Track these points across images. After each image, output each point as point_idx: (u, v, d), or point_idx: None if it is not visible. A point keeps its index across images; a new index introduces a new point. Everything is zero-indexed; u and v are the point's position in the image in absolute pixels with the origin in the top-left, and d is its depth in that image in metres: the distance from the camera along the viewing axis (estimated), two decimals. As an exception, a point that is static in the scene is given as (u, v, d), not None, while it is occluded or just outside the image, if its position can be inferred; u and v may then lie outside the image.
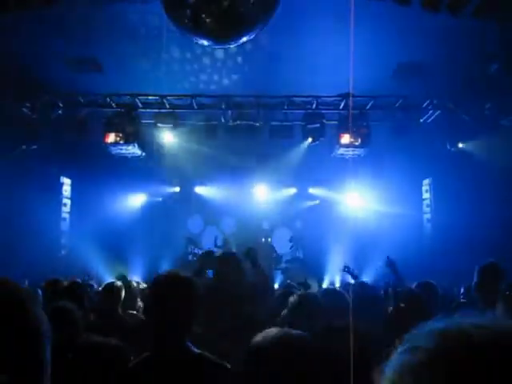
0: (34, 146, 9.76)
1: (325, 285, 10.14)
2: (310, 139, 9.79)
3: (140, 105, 9.92)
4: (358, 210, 12.40)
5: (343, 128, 9.64)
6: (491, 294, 2.96)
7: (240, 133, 10.16)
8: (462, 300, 4.62)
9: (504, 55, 7.78)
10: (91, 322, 3.83)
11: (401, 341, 0.57)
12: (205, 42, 4.72)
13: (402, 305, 3.32)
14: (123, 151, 9.91)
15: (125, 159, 10.26)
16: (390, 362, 0.57)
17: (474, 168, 9.19)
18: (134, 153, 9.98)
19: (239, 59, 8.74)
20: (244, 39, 4.61)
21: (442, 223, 10.54)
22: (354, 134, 9.57)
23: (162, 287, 2.15)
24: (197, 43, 5.35)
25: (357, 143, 9.63)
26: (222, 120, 10.15)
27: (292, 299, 3.08)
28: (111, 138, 9.55)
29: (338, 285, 9.63)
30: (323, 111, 9.81)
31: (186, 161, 11.16)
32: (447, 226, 9.83)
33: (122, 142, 9.55)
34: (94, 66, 8.71)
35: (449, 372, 0.49)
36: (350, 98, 9.36)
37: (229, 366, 2.10)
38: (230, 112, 10.03)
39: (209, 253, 4.51)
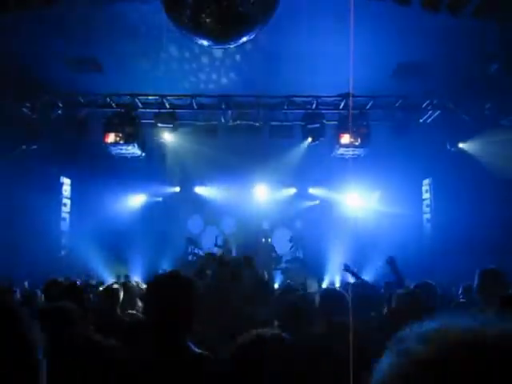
0: (34, 146, 9.76)
1: (325, 285, 10.14)
2: (309, 139, 9.79)
3: (140, 105, 9.92)
4: (358, 210, 12.41)
5: (343, 128, 9.64)
6: (492, 296, 2.97)
7: (240, 133, 10.16)
8: (461, 300, 4.61)
9: (504, 55, 7.78)
10: (91, 322, 3.84)
11: (392, 342, 0.55)
12: (205, 42, 4.73)
13: (394, 306, 3.32)
14: (123, 151, 9.91)
15: (125, 159, 10.25)
16: (380, 363, 0.55)
17: (474, 168, 9.18)
18: (133, 153, 9.98)
19: (239, 59, 8.74)
20: (244, 39, 4.62)
21: (441, 223, 10.55)
22: (354, 134, 9.57)
23: (162, 287, 2.15)
24: (196, 43, 5.35)
25: (357, 143, 9.63)
26: (222, 120, 10.15)
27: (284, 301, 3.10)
28: (111, 138, 9.55)
29: (337, 285, 9.63)
30: (323, 111, 9.82)
31: (185, 161, 11.17)
32: (447, 226, 9.83)
33: (121, 142, 9.55)
34: (94, 66, 8.71)
35: (440, 375, 0.48)
36: (350, 98, 9.36)
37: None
38: (230, 112, 10.03)
39: (209, 255, 4.53)
